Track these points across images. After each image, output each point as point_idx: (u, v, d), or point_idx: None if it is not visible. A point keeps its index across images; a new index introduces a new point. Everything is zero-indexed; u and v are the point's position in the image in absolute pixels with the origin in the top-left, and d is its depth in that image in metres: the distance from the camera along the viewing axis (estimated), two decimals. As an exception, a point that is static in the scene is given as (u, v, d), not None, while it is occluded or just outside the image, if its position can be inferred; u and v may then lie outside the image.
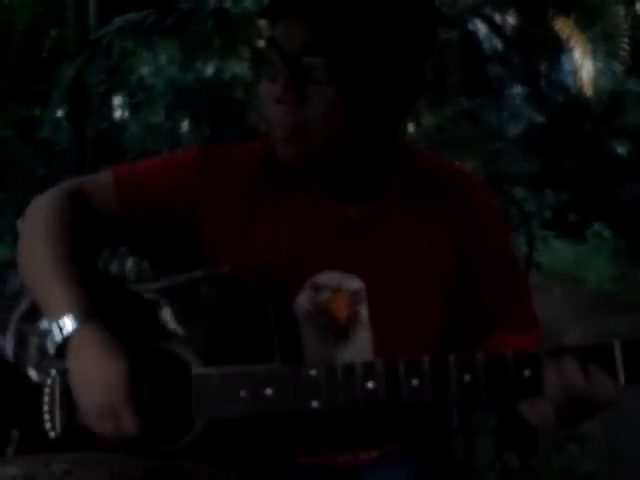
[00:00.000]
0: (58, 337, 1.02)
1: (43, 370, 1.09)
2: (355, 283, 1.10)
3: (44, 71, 6.92)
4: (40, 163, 5.52)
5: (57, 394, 1.08)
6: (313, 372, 0.99)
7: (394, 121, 1.07)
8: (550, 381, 0.94)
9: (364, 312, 1.10)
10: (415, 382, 0.96)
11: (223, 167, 1.14)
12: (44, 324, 1.09)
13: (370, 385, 0.98)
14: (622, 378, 0.91)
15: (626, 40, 7.33)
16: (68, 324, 1.02)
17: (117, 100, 7.22)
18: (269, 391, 0.99)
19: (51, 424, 1.08)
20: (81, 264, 1.09)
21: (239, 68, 5.61)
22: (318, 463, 1.11)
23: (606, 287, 6.67)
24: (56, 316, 1.03)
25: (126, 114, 7.37)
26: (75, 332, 1.01)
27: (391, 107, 1.04)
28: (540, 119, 7.92)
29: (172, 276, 1.10)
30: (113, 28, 4.51)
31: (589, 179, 7.99)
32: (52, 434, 1.08)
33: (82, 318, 1.02)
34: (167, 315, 1.08)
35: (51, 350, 1.04)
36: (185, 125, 6.38)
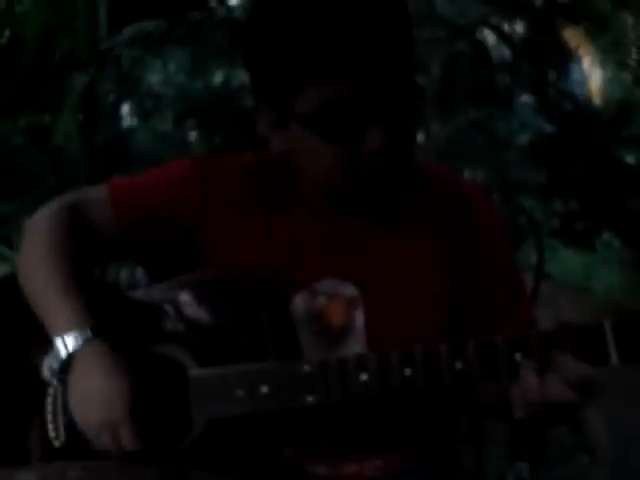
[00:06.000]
0: (63, 354, 1.05)
1: (46, 379, 1.11)
2: (351, 290, 1.13)
3: (55, 79, 6.97)
4: (51, 171, 5.55)
5: (60, 403, 1.10)
6: (307, 368, 1.04)
7: None
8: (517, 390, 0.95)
9: (360, 319, 1.14)
10: (407, 372, 0.99)
11: (217, 178, 1.16)
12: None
13: (363, 377, 1.01)
14: (614, 357, 0.93)
15: (635, 50, 7.33)
16: (72, 342, 1.08)
17: (125, 108, 7.24)
18: (264, 389, 1.04)
19: (55, 433, 1.10)
20: (81, 278, 1.11)
21: (246, 76, 5.61)
22: (324, 474, 1.16)
23: (615, 296, 6.66)
24: (61, 333, 1.05)
25: (135, 122, 7.41)
26: (79, 349, 1.04)
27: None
28: (549, 128, 7.91)
29: (167, 281, 1.13)
30: (124, 38, 4.52)
31: (598, 188, 7.97)
32: (57, 443, 1.10)
33: (86, 336, 1.05)
34: (163, 319, 1.11)
35: (55, 366, 1.06)
36: (194, 133, 6.40)
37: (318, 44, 0.99)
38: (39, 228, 1.20)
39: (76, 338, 1.08)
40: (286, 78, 1.02)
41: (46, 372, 1.14)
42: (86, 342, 1.07)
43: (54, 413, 1.14)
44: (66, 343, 1.08)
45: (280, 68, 1.03)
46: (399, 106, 1.02)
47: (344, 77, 0.98)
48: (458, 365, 0.98)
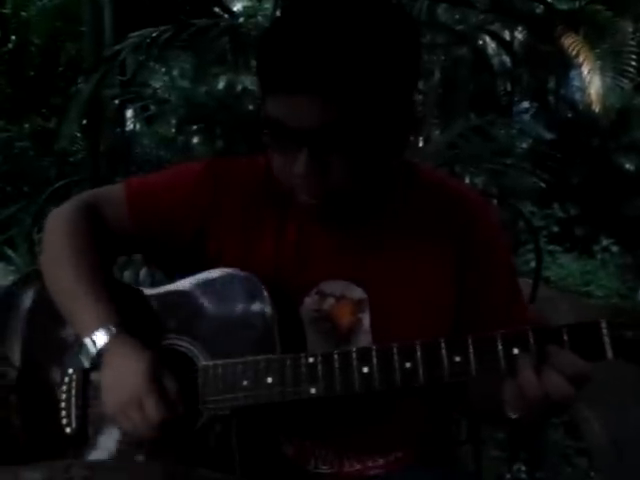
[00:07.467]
0: (92, 351, 1.09)
1: (59, 368, 1.16)
2: (358, 293, 1.14)
3: (60, 84, 7.03)
4: (55, 174, 5.59)
5: (73, 391, 1.15)
6: (311, 359, 1.03)
7: (397, 154, 1.10)
8: (509, 386, 0.96)
9: (366, 320, 1.14)
10: (408, 365, 0.99)
11: (229, 180, 1.19)
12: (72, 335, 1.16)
13: (365, 369, 1.01)
14: (610, 353, 0.93)
15: (634, 57, 7.38)
16: (100, 339, 1.08)
17: (129, 112, 7.29)
18: (270, 379, 1.04)
19: (67, 420, 1.15)
20: (103, 276, 1.16)
21: (249, 81, 5.68)
22: (327, 472, 1.14)
23: (613, 301, 6.70)
24: (88, 331, 1.09)
25: (138, 126, 7.46)
26: (107, 345, 1.08)
27: (396, 143, 1.07)
28: (548, 134, 7.95)
29: (179, 279, 1.16)
30: (128, 44, 4.54)
31: (597, 194, 8.02)
32: (68, 429, 1.14)
33: (113, 332, 1.09)
34: (175, 314, 1.14)
35: (85, 363, 1.11)
36: (197, 137, 6.45)
37: (272, 58, 1.04)
38: (59, 228, 1.24)
39: (104, 335, 1.12)
40: (261, 83, 1.08)
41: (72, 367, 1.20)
42: (113, 337, 1.12)
43: (68, 401, 1.19)
44: (94, 341, 1.12)
45: (258, 74, 1.09)
46: (333, 136, 1.03)
47: (280, 93, 1.00)
48: (457, 359, 1.00)
